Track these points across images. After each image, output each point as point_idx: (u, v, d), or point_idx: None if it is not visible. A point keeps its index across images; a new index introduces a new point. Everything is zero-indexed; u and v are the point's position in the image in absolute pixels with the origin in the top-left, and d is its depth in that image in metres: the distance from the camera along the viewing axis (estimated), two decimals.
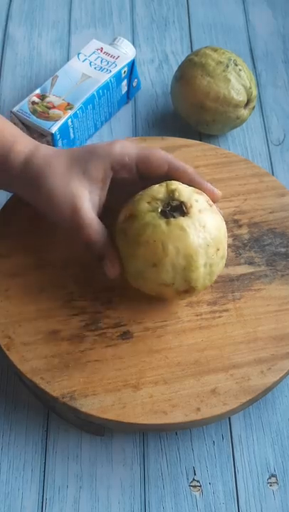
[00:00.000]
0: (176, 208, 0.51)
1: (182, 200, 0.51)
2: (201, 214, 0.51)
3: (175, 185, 0.52)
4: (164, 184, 0.52)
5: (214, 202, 0.54)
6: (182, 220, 0.50)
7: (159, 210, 0.51)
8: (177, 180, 0.54)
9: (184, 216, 0.50)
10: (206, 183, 0.55)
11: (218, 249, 0.51)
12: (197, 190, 0.53)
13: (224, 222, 0.53)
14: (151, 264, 0.50)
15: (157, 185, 0.52)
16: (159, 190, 0.52)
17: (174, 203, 0.51)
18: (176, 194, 0.51)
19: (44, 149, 0.56)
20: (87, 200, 0.53)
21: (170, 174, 0.55)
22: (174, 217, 0.50)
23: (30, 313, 0.56)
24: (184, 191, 0.52)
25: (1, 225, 0.61)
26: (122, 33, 0.84)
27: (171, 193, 0.51)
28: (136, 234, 0.51)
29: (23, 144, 0.56)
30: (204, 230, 0.50)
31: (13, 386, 0.58)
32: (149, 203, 0.51)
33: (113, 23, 0.86)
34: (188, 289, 0.52)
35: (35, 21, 0.86)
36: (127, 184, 0.55)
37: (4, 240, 0.60)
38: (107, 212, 0.56)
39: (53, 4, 0.88)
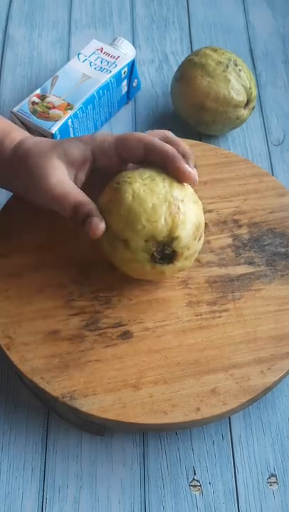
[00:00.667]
0: (166, 256, 0.52)
1: (176, 250, 0.52)
2: (185, 260, 0.53)
3: (178, 232, 0.51)
4: (169, 223, 0.51)
5: (190, 184, 0.54)
6: (165, 267, 0.52)
7: (151, 253, 0.51)
8: (153, 161, 0.54)
9: (168, 264, 0.52)
10: (180, 162, 0.53)
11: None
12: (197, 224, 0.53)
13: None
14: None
15: (163, 222, 0.51)
16: (162, 230, 0.51)
17: (167, 251, 0.52)
18: (175, 243, 0.51)
19: (35, 137, 0.59)
20: (65, 173, 0.55)
21: (147, 156, 0.54)
22: (161, 264, 0.52)
23: (30, 313, 0.56)
24: (183, 239, 0.52)
25: (1, 225, 0.61)
26: (122, 33, 0.84)
27: (171, 240, 0.51)
28: (124, 258, 0.53)
29: (16, 133, 0.59)
30: (179, 270, 0.54)
31: (14, 386, 0.58)
32: (146, 241, 0.51)
33: (113, 23, 0.86)
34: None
35: (35, 22, 0.86)
36: (108, 169, 0.56)
37: (4, 239, 0.60)
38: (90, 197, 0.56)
39: (53, 5, 0.88)
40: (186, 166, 0.53)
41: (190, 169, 0.53)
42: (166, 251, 0.52)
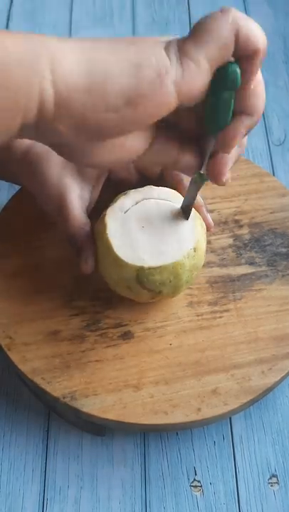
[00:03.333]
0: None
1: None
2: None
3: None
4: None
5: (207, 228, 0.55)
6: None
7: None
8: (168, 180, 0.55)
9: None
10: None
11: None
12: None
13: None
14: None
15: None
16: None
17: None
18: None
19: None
20: (76, 195, 0.54)
21: (165, 175, 0.55)
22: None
23: (30, 313, 0.56)
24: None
25: (1, 225, 0.61)
26: (122, 33, 0.84)
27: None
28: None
29: None
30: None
31: (14, 386, 0.58)
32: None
33: (114, 23, 0.86)
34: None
35: (36, 22, 0.86)
36: (125, 182, 0.56)
37: (4, 240, 0.60)
38: (101, 211, 0.56)
39: (53, 5, 0.88)
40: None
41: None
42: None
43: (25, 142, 0.57)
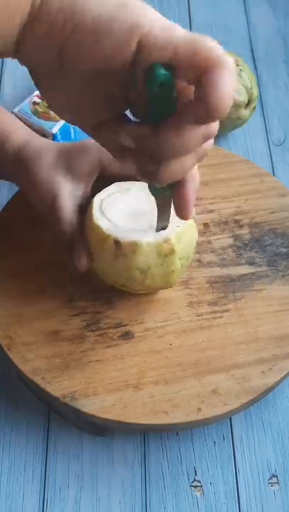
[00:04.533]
0: None
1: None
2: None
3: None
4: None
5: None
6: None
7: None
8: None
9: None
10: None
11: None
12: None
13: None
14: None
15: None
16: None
17: None
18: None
19: (36, 141, 0.58)
20: (67, 192, 0.54)
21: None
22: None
23: (30, 313, 0.56)
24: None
25: (1, 225, 0.61)
26: None
27: None
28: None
29: (19, 133, 0.58)
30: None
31: (15, 386, 0.58)
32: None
33: None
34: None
35: None
36: (118, 178, 0.56)
37: (4, 240, 0.60)
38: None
39: None
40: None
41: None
42: None
43: (18, 142, 0.57)
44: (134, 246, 0.50)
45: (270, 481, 0.54)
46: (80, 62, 0.35)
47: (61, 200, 0.54)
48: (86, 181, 0.56)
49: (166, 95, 0.35)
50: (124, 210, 0.53)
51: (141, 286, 0.53)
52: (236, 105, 0.69)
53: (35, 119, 0.69)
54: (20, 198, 0.62)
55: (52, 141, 0.62)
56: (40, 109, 0.69)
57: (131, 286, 0.53)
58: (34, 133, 0.60)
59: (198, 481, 0.54)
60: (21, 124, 0.60)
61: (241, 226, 0.62)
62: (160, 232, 0.50)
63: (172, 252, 0.50)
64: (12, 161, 0.57)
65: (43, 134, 0.68)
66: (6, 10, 0.34)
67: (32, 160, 0.55)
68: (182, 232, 0.51)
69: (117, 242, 0.50)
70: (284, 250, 0.61)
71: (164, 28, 0.34)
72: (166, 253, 0.50)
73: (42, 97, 0.41)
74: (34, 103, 0.70)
